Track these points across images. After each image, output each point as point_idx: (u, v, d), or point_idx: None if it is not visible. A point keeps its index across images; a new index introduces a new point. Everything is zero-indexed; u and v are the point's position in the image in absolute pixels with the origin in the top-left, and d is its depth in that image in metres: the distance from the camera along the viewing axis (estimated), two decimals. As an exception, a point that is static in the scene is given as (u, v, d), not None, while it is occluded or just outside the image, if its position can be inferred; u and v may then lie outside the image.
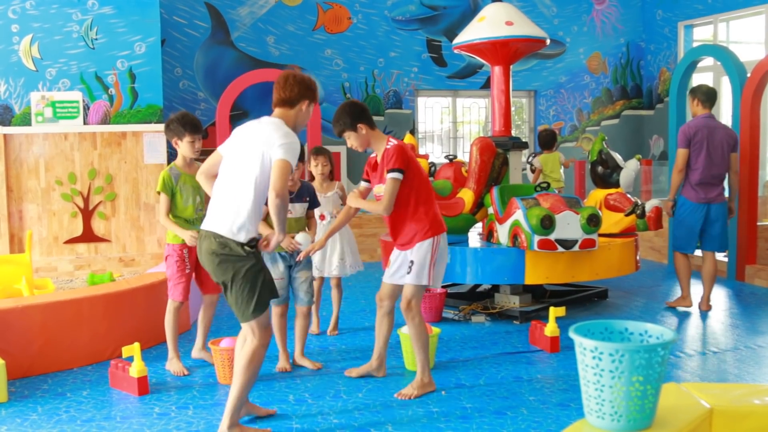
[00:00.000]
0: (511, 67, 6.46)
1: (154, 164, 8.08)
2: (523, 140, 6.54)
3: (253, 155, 3.30)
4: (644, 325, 2.61)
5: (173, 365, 4.49)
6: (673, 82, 7.98)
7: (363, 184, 4.18)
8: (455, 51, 6.60)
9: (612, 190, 6.24)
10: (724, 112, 10.40)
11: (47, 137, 7.84)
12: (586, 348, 2.41)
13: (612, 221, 6.04)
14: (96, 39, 7.92)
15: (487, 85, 10.65)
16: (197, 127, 4.41)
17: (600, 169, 6.30)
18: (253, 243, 3.35)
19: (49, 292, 6.01)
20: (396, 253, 4.06)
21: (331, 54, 10.44)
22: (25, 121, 7.80)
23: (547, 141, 8.28)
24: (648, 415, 2.42)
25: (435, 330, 4.49)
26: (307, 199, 4.47)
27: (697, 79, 9.84)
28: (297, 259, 4.35)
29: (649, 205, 5.98)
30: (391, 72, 10.74)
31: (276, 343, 4.52)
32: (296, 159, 3.33)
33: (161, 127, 8.09)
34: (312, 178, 5.19)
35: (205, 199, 4.48)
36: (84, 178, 7.95)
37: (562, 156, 8.48)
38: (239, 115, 9.64)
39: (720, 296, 6.57)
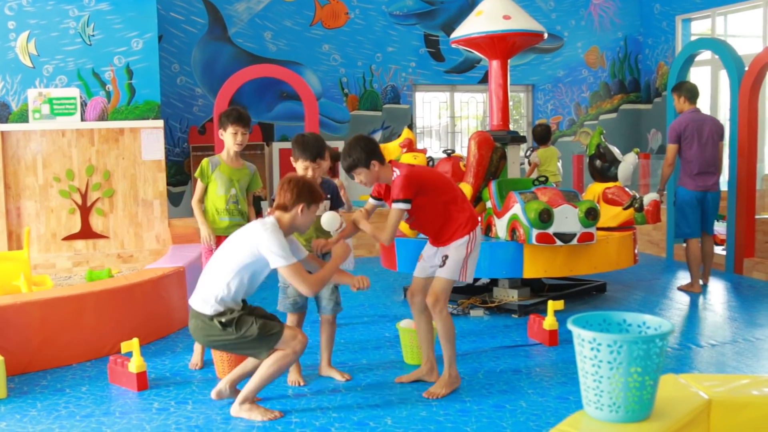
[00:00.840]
0: (508, 61, 6.44)
1: (152, 160, 8.07)
2: (521, 134, 6.54)
3: (240, 244, 3.50)
4: (642, 316, 2.61)
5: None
6: (671, 75, 7.96)
7: (371, 202, 4.09)
8: (453, 45, 6.59)
9: (610, 184, 6.24)
10: (722, 106, 10.40)
11: (45, 134, 7.83)
12: (584, 339, 2.42)
13: (610, 215, 6.05)
14: (93, 35, 7.91)
15: (484, 79, 10.64)
16: (240, 119, 4.38)
17: (598, 162, 6.31)
18: (228, 319, 3.48)
19: (47, 288, 6.01)
20: (430, 247, 4.04)
21: (328, 49, 10.42)
22: (23, 117, 7.79)
23: (542, 136, 8.28)
24: (646, 406, 2.43)
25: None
26: (329, 196, 4.27)
27: (695, 73, 9.84)
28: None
29: (647, 198, 5.99)
30: (388, 67, 10.72)
31: None
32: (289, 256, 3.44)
33: (159, 123, 8.09)
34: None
35: (248, 198, 4.55)
36: (82, 175, 7.94)
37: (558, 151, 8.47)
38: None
39: (718, 289, 6.59)
